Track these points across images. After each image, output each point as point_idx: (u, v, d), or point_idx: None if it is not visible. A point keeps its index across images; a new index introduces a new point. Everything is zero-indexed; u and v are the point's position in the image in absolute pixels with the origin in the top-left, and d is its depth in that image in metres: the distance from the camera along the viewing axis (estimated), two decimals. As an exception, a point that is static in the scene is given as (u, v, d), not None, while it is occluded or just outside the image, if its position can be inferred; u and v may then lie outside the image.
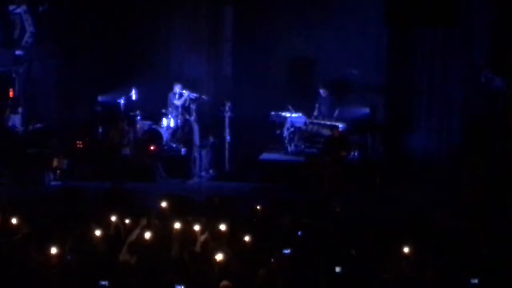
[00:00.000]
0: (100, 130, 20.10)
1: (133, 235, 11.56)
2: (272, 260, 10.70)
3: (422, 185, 17.80)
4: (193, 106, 20.01)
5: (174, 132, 19.95)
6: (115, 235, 12.04)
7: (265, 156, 19.86)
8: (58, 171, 18.75)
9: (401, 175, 18.33)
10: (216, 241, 11.43)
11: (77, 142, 19.60)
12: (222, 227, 11.70)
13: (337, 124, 19.31)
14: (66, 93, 21.00)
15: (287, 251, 11.08)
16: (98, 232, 11.61)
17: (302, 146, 19.86)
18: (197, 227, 11.63)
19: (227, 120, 19.88)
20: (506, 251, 11.46)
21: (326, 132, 19.30)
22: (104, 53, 20.75)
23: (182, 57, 21.11)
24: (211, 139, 20.13)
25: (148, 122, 20.10)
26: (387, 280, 10.33)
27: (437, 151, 19.34)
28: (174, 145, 19.80)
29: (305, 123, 19.82)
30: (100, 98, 20.79)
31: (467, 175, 16.94)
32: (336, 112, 19.94)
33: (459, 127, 19.52)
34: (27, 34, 20.38)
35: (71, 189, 16.88)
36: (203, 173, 19.41)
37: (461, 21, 18.33)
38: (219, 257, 10.33)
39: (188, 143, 19.61)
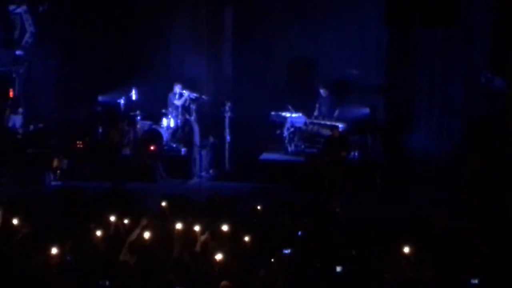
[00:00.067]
0: (100, 130, 20.10)
1: (133, 235, 11.56)
2: (272, 260, 10.70)
3: (422, 185, 17.78)
4: (193, 106, 20.01)
5: (174, 132, 19.95)
6: (115, 235, 12.04)
7: (265, 156, 19.85)
8: (58, 171, 18.76)
9: (401, 175, 18.31)
10: (216, 241, 11.43)
11: (77, 142, 19.59)
12: (223, 227, 11.71)
13: (337, 124, 19.31)
14: (66, 93, 21.01)
15: (287, 251, 11.08)
16: (98, 232, 11.62)
17: (302, 146, 19.86)
18: (197, 228, 11.63)
19: (227, 120, 19.88)
20: (506, 251, 11.46)
21: (326, 132, 19.30)
22: (104, 53, 20.74)
23: (182, 57, 21.10)
24: (211, 139, 20.13)
25: (148, 122, 20.10)
26: (387, 280, 10.34)
27: (437, 151, 19.32)
28: (174, 145, 19.80)
29: (305, 123, 19.82)
30: (100, 98, 20.80)
31: (467, 175, 16.94)
32: (336, 112, 19.94)
33: (459, 127, 19.51)
34: (27, 34, 20.39)
35: (71, 189, 16.87)
36: (203, 173, 19.41)
37: (461, 21, 18.35)
38: (219, 257, 10.33)
39: (188, 143, 19.61)
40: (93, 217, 12.69)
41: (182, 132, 19.93)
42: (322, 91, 20.09)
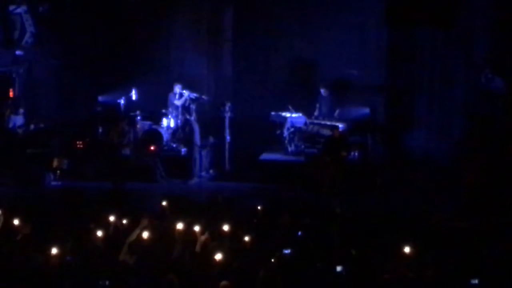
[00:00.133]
0: (100, 130, 20.10)
1: (133, 235, 11.55)
2: (272, 260, 10.70)
3: (422, 185, 17.79)
4: (193, 106, 20.00)
5: (174, 132, 19.94)
6: (115, 235, 12.04)
7: (265, 156, 19.85)
8: (58, 171, 18.76)
9: (401, 175, 18.32)
10: (216, 241, 11.43)
11: (77, 142, 19.61)
12: (223, 227, 11.71)
13: (337, 124, 19.30)
14: (67, 93, 21.04)
15: (287, 251, 11.08)
16: (98, 232, 11.62)
17: (302, 146, 19.86)
18: (197, 228, 11.63)
19: (227, 120, 19.86)
20: (506, 251, 11.46)
21: (326, 132, 19.28)
22: (104, 53, 20.75)
23: (182, 57, 21.12)
24: (211, 139, 20.13)
25: (148, 122, 20.09)
26: (387, 280, 10.33)
27: (437, 151, 19.32)
28: (174, 145, 19.79)
29: (305, 123, 19.81)
30: (100, 98, 20.79)
31: (467, 175, 16.94)
32: (336, 112, 19.94)
33: (459, 127, 19.52)
34: (28, 34, 20.38)
35: (71, 189, 16.90)
36: (203, 173, 19.41)
37: (461, 21, 18.33)
38: (219, 257, 10.33)
39: (188, 143, 19.61)
40: (93, 217, 12.70)
41: (182, 132, 19.93)
42: (322, 91, 20.08)
